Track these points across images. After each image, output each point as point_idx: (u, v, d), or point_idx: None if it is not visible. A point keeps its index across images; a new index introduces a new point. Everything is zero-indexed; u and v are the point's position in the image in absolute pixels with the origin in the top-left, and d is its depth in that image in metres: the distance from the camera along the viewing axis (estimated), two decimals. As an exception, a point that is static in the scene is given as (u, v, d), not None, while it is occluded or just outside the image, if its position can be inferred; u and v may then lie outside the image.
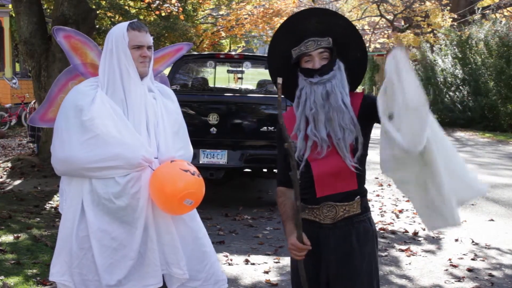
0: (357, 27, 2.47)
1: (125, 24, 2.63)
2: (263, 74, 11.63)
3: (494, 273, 4.94)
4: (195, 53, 14.47)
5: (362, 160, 2.34)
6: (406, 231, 6.23)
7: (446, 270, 5.00)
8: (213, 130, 6.86)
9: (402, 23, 30.63)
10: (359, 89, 18.92)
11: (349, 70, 2.38)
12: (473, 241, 5.85)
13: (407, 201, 7.80)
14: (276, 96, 7.97)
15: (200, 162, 6.77)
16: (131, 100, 2.59)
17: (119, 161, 2.50)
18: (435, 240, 5.91)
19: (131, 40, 2.58)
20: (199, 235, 2.75)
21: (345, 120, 2.29)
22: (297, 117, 2.36)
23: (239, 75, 9.98)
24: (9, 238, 5.36)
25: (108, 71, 2.60)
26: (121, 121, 2.55)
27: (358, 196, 2.35)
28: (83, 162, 2.49)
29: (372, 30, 31.12)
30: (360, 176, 2.36)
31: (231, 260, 5.13)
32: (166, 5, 15.62)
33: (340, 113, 2.28)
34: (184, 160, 2.62)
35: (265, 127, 6.91)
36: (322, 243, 2.35)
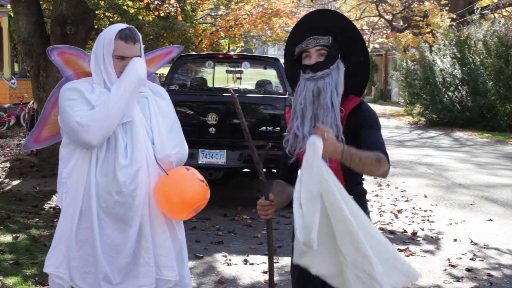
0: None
1: (116, 29, 2.57)
2: (262, 74, 11.66)
3: (493, 273, 4.94)
4: (194, 53, 14.47)
5: None
6: (405, 231, 6.24)
7: (445, 270, 5.00)
8: (212, 130, 6.85)
9: (401, 23, 30.66)
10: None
11: (352, 74, 2.44)
12: (472, 241, 5.86)
13: (406, 201, 7.81)
14: (276, 95, 7.95)
15: (199, 162, 6.77)
16: None
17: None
18: (434, 240, 5.91)
19: (116, 49, 2.54)
20: (182, 239, 2.78)
21: (328, 118, 2.34)
22: (292, 111, 2.47)
23: (238, 75, 9.99)
24: (7, 238, 5.35)
25: (100, 72, 2.60)
26: None
27: (352, 196, 2.32)
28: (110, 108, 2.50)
29: (371, 30, 31.14)
30: (349, 175, 2.38)
31: (230, 260, 5.13)
32: (165, 5, 15.61)
33: (325, 111, 2.34)
34: (195, 171, 2.66)
35: (264, 127, 6.90)
36: None
